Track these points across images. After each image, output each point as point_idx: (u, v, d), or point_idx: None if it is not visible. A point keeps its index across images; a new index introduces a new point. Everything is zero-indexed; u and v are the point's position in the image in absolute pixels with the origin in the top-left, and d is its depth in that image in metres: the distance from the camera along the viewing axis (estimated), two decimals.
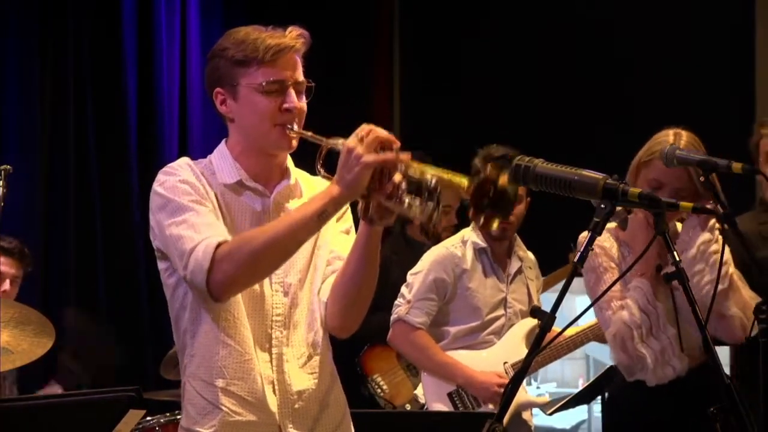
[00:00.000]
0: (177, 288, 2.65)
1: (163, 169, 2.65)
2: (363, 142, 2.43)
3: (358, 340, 5.34)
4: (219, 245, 2.49)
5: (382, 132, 2.45)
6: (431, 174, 2.42)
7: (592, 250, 2.34)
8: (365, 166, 2.42)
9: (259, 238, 2.49)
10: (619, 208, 3.46)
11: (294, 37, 2.62)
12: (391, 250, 5.50)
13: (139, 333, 5.84)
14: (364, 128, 2.46)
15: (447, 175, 2.41)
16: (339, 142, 2.53)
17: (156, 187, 2.62)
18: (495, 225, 2.42)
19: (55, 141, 5.65)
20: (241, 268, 2.48)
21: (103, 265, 5.77)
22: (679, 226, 3.53)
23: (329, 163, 2.57)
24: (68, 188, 5.67)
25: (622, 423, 3.61)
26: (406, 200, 2.45)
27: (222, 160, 2.69)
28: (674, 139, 3.32)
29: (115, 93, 5.91)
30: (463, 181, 2.38)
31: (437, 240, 5.07)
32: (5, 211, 3.60)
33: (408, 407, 5.10)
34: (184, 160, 2.68)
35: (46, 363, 4.69)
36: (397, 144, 2.46)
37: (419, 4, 7.54)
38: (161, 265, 2.67)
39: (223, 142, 2.73)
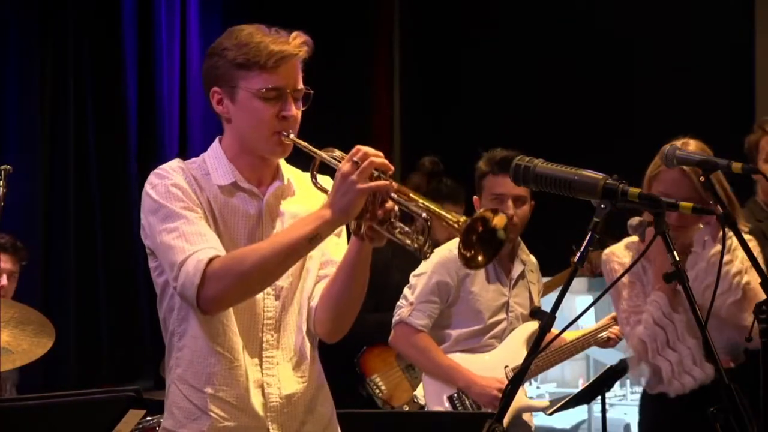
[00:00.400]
0: (166, 288, 2.65)
1: (155, 170, 2.64)
2: (358, 167, 2.43)
3: (357, 340, 5.36)
4: (210, 261, 2.50)
5: (377, 158, 2.45)
6: (421, 208, 2.42)
7: (591, 248, 2.34)
8: (359, 193, 2.43)
9: (250, 259, 2.49)
10: (637, 221, 3.50)
11: (297, 44, 2.60)
12: (392, 252, 5.50)
13: (139, 333, 5.84)
14: (360, 152, 2.46)
15: (439, 210, 2.41)
16: (333, 155, 2.55)
17: (148, 189, 2.61)
18: (480, 260, 2.41)
19: (55, 141, 5.65)
20: (231, 287, 2.50)
21: (103, 265, 5.77)
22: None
23: (322, 171, 2.60)
24: (68, 188, 5.66)
25: None
26: (398, 228, 2.47)
27: (217, 161, 2.68)
28: (681, 147, 3.34)
29: (115, 93, 5.90)
30: (454, 217, 2.39)
31: (437, 245, 5.08)
32: (5, 210, 3.60)
33: (406, 408, 5.10)
34: (177, 163, 2.67)
35: (45, 365, 4.70)
36: (392, 170, 2.46)
37: (419, 4, 7.54)
38: (151, 263, 2.67)
39: (217, 141, 2.72)
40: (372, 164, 2.43)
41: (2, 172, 3.62)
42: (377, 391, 5.20)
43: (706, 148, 3.42)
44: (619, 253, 3.61)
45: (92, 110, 5.79)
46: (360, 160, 2.44)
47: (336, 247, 2.71)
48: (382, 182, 2.44)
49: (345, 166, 2.45)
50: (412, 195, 2.45)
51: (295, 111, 2.61)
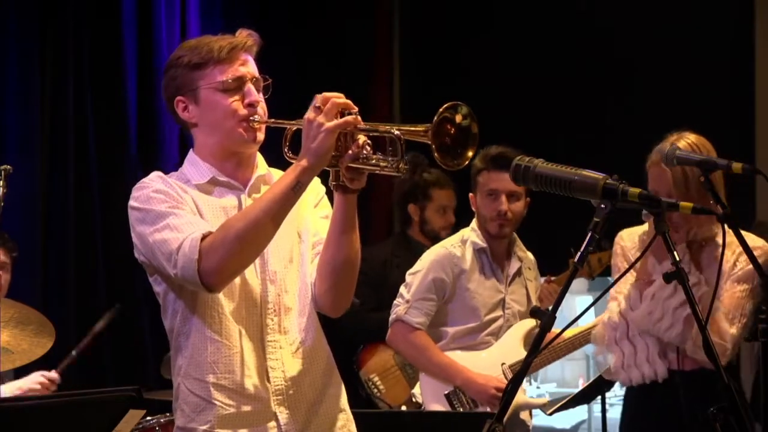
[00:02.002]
0: (167, 295, 2.71)
1: (136, 185, 2.71)
2: (322, 111, 2.50)
3: (356, 340, 5.36)
4: (204, 237, 2.54)
5: (339, 98, 2.52)
6: (392, 127, 2.49)
7: (592, 250, 2.34)
8: (328, 132, 2.48)
9: (242, 222, 2.54)
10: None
11: (244, 36, 2.71)
12: (392, 251, 5.50)
13: (139, 333, 5.84)
14: (319, 98, 2.53)
15: (406, 126, 2.48)
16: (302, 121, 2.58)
17: (132, 203, 2.68)
18: (468, 157, 2.47)
19: (55, 141, 5.64)
20: (229, 253, 2.52)
21: (103, 265, 5.76)
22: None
23: (296, 147, 2.62)
24: (68, 188, 5.66)
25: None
26: (373, 158, 2.52)
27: (192, 166, 2.75)
28: (673, 142, 3.34)
29: (115, 93, 5.90)
30: (421, 127, 2.44)
31: (436, 239, 5.07)
32: (5, 210, 3.60)
33: (404, 408, 5.09)
34: (155, 173, 2.74)
35: (45, 365, 4.69)
36: (355, 108, 2.53)
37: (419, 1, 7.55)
38: (150, 276, 2.74)
39: (191, 150, 2.79)
40: (334, 104, 2.51)
41: (2, 172, 3.61)
42: (375, 390, 5.20)
43: (700, 142, 3.42)
44: (626, 237, 3.62)
45: (92, 110, 5.79)
46: (322, 105, 2.51)
47: (325, 227, 2.73)
48: (348, 117, 2.50)
49: (309, 113, 2.52)
50: (376, 124, 2.53)
51: (259, 97, 2.69)
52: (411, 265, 4.45)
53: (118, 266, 5.81)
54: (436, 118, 2.42)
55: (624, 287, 3.55)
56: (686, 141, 3.40)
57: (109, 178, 5.82)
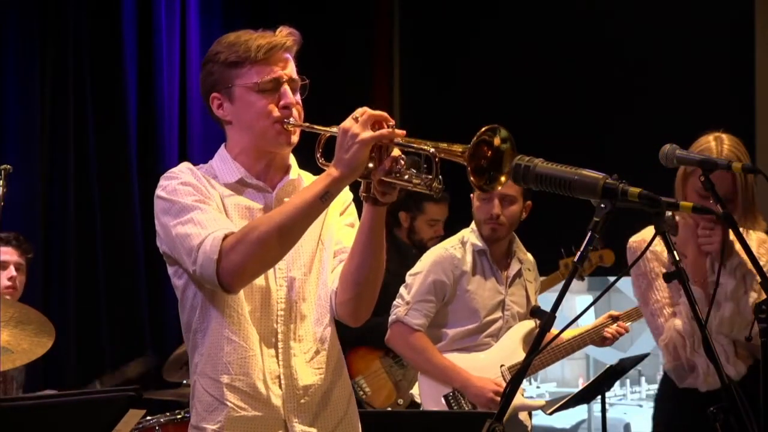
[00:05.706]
0: (186, 289, 2.67)
1: (164, 174, 2.68)
2: (358, 121, 2.47)
3: (344, 342, 5.33)
4: (226, 236, 2.52)
5: (376, 111, 2.49)
6: (428, 145, 2.45)
7: (592, 248, 2.34)
8: (362, 144, 2.45)
9: (265, 225, 2.51)
10: (668, 214, 3.50)
11: (284, 35, 2.67)
12: None
13: (139, 333, 5.84)
14: (359, 110, 2.50)
15: (443, 144, 2.44)
16: (336, 129, 2.55)
17: (159, 192, 2.64)
18: (501, 182, 2.44)
19: (55, 141, 5.65)
20: (249, 255, 2.50)
21: (104, 264, 5.77)
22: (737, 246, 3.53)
23: (329, 153, 2.59)
24: (68, 188, 5.67)
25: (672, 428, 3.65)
26: (406, 174, 2.49)
27: (222, 163, 2.72)
28: (716, 144, 3.35)
29: (115, 93, 5.91)
30: (458, 148, 2.41)
31: (422, 247, 5.04)
32: (5, 210, 3.60)
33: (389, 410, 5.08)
34: (185, 165, 2.71)
35: (45, 365, 4.70)
36: (392, 121, 2.50)
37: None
38: (169, 269, 2.70)
39: (223, 145, 2.75)
40: (371, 116, 2.47)
41: (2, 172, 3.61)
42: (361, 393, 5.19)
43: (739, 143, 3.41)
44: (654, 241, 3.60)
45: (92, 110, 5.79)
46: (360, 116, 2.48)
47: (349, 236, 2.71)
48: (383, 130, 2.47)
49: (346, 123, 2.49)
50: (413, 139, 2.49)
51: (294, 99, 2.65)
52: (398, 268, 4.45)
53: (119, 266, 5.82)
54: (474, 139, 2.38)
55: (663, 293, 3.53)
56: (726, 145, 3.39)
57: (109, 179, 5.83)
